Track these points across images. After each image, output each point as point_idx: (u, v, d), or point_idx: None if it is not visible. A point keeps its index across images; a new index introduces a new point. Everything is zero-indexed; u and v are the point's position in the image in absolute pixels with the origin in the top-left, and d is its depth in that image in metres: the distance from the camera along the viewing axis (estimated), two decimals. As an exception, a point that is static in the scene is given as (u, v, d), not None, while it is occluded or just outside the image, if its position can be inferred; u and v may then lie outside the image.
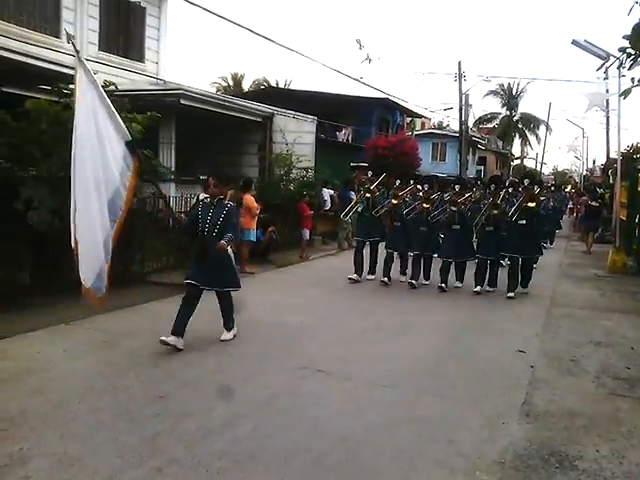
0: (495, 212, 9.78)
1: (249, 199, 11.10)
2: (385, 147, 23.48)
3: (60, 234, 8.83)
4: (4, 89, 9.80)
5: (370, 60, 22.55)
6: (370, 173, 12.10)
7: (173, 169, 13.59)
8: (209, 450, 4.08)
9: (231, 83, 44.50)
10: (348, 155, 21.98)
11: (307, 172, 15.96)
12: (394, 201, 10.45)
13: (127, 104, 8.95)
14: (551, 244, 18.11)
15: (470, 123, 34.25)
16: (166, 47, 16.24)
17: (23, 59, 8.60)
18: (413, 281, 10.30)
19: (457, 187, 10.76)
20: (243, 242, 10.80)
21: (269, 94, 25.02)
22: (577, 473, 3.97)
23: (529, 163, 60.70)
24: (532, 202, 9.57)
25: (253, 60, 63.83)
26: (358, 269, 10.85)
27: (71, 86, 9.36)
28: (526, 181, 10.33)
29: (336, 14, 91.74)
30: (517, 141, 57.10)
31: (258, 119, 16.37)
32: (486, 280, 10.20)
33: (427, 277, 10.70)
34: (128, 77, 12.91)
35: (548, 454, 4.22)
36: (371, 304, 9.18)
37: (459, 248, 10.21)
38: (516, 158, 59.07)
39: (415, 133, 35.37)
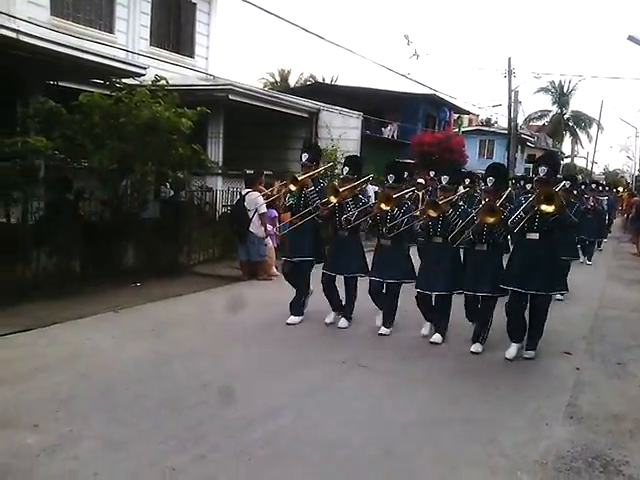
0: (490, 220, 5.98)
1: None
2: (431, 144, 23.26)
3: (110, 224, 9.13)
4: (60, 83, 10.10)
5: (418, 56, 22.40)
6: (433, 173, 11.23)
7: (220, 163, 13.78)
8: (251, 439, 4.15)
9: (278, 79, 44.73)
10: (394, 151, 21.87)
11: (351, 168, 15.94)
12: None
13: (178, 99, 9.13)
14: (589, 260, 13.91)
15: (519, 120, 33.67)
16: (215, 43, 16.46)
17: (79, 54, 8.83)
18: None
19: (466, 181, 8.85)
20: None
21: (315, 90, 25.07)
22: (622, 479, 3.89)
23: (579, 162, 59.31)
24: (550, 205, 5.71)
25: (300, 56, 64.11)
26: None
27: (123, 80, 9.65)
28: (542, 169, 5.99)
29: (384, 9, 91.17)
30: (567, 139, 55.86)
31: (304, 115, 16.45)
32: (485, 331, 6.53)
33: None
34: (178, 72, 13.13)
35: (592, 457, 4.14)
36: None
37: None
38: (566, 157, 57.75)
39: (462, 130, 34.95)
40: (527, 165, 41.41)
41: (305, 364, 5.77)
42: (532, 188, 10.05)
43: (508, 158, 28.99)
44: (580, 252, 13.04)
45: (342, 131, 16.30)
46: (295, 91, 24.03)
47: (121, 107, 8.65)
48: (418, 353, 6.36)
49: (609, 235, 18.14)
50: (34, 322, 6.62)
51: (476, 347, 6.37)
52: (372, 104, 22.63)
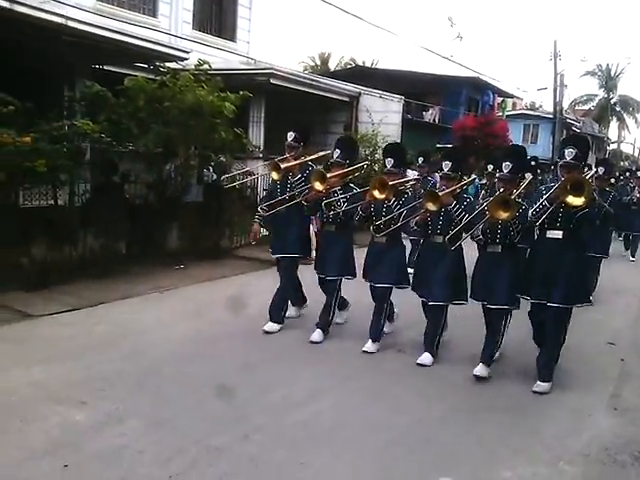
0: (504, 216, 4.89)
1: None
2: (473, 128, 22.90)
3: (154, 207, 9.28)
4: (105, 67, 10.25)
5: (461, 38, 22.05)
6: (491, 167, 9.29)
7: (262, 147, 13.84)
8: (293, 421, 4.21)
9: (318, 62, 44.53)
10: (435, 136, 21.62)
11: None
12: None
13: (220, 83, 9.19)
14: (632, 256, 12.61)
15: (565, 105, 32.86)
16: (257, 26, 16.48)
17: (123, 38, 8.93)
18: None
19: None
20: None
21: (356, 73, 24.88)
22: (669, 473, 3.83)
23: (626, 148, 57.67)
24: (578, 196, 4.71)
25: (341, 39, 63.75)
26: None
27: (167, 64, 9.75)
28: (569, 152, 4.97)
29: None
30: (614, 124, 54.29)
31: (345, 98, 16.36)
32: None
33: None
34: (220, 56, 13.19)
35: (638, 451, 4.07)
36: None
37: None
38: (612, 142, 56.20)
39: (506, 114, 34.26)
40: (572, 150, 40.43)
41: (346, 350, 5.78)
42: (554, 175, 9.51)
43: (553, 143, 28.39)
44: (622, 246, 12.61)
45: (383, 115, 16.17)
46: (335, 75, 23.88)
47: (165, 91, 8.75)
48: (459, 341, 6.31)
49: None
50: (81, 302, 6.81)
51: (480, 370, 5.20)
52: (413, 87, 22.35)
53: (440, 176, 5.65)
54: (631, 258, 12.57)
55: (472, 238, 5.25)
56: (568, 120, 37.00)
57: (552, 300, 4.99)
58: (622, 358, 6.02)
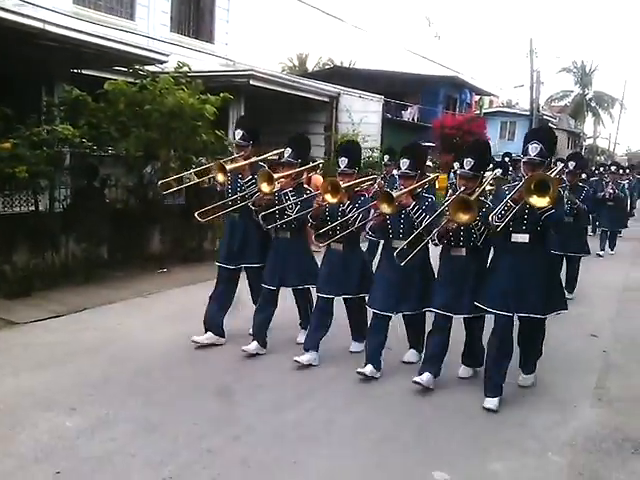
0: (465, 218, 4.47)
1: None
2: (452, 126, 23.10)
3: (136, 210, 9.23)
4: (84, 71, 10.17)
5: (439, 37, 22.23)
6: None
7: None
8: (283, 421, 4.23)
9: (296, 63, 44.58)
10: (415, 134, 21.72)
11: (373, 152, 15.90)
12: None
13: (201, 85, 9.17)
14: (612, 249, 12.72)
15: (541, 101, 33.25)
16: (235, 28, 16.42)
17: (101, 42, 8.86)
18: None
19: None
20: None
21: (335, 74, 24.96)
22: (654, 460, 3.91)
23: (602, 143, 58.46)
24: (542, 196, 4.29)
25: (318, 40, 63.83)
26: None
27: (146, 67, 9.70)
28: (534, 147, 4.58)
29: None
30: (590, 120, 55.07)
31: (324, 99, 16.38)
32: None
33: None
34: (199, 58, 13.14)
35: (622, 439, 4.16)
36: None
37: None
38: (588, 137, 56.96)
39: (483, 111, 34.57)
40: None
41: (330, 351, 5.72)
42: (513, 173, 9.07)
43: (530, 140, 28.72)
44: (599, 243, 12.30)
45: (363, 115, 16.22)
46: (314, 75, 23.95)
47: (145, 94, 8.71)
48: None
49: (631, 221, 15.37)
50: (65, 308, 6.76)
51: (464, 371, 5.26)
52: (392, 87, 22.48)
53: (398, 175, 5.32)
54: (610, 252, 12.62)
55: (432, 242, 4.86)
56: (545, 116, 37.45)
57: (523, 311, 4.57)
58: (604, 350, 6.13)
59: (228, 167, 5.55)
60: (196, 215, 5.85)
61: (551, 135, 4.96)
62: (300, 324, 6.00)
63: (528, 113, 29.87)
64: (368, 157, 15.77)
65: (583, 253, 8.46)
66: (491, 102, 41.99)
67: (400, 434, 4.15)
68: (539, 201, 4.28)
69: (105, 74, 10.30)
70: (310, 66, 42.49)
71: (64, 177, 8.50)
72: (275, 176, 5.38)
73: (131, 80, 9.26)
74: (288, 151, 5.57)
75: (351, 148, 5.62)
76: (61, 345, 5.64)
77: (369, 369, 5.02)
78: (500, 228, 4.44)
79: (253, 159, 5.73)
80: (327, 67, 36.06)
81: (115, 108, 8.56)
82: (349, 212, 5.17)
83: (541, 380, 5.18)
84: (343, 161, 5.29)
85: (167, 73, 9.36)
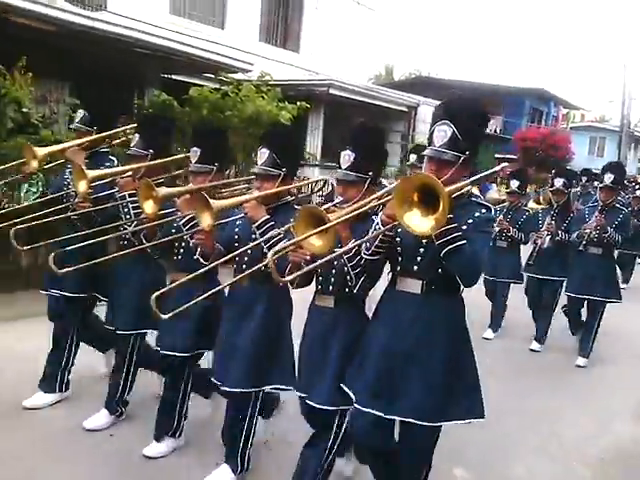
0: (316, 246, 2.58)
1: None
2: (535, 139, 22.75)
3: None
4: (174, 77, 10.93)
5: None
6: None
7: (319, 155, 14.29)
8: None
9: (383, 73, 44.87)
10: (495, 146, 21.59)
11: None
12: None
13: (279, 93, 9.68)
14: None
15: (634, 118, 32.07)
16: (322, 38, 16.93)
17: (192, 51, 9.54)
18: None
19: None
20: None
21: (418, 83, 25.11)
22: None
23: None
24: (425, 214, 2.36)
25: (405, 51, 63.87)
26: None
27: (231, 75, 10.32)
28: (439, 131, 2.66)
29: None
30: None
31: (403, 108, 16.65)
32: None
33: None
34: (284, 67, 13.73)
35: (654, 457, 4.24)
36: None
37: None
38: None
39: (571, 126, 33.69)
40: (640, 164, 39.36)
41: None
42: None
43: (619, 156, 27.80)
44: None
45: (440, 125, 16.36)
46: (398, 85, 24.21)
47: (227, 101, 9.30)
48: (488, 346, 6.49)
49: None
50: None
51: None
52: (475, 98, 22.41)
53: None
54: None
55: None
56: (636, 134, 36.03)
57: (396, 412, 2.71)
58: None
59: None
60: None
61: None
62: None
63: (618, 129, 28.88)
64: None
65: (613, 298, 6.16)
66: (582, 116, 40.79)
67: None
68: (420, 224, 2.39)
69: (193, 79, 11.02)
70: (397, 76, 42.67)
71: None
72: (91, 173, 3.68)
73: (217, 86, 9.90)
74: (135, 138, 3.95)
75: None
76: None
77: None
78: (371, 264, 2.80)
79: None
80: (411, 77, 36.16)
81: (199, 113, 9.18)
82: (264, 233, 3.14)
83: (582, 395, 5.27)
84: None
85: (251, 81, 9.94)
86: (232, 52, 11.35)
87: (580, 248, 6.06)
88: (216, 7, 14.24)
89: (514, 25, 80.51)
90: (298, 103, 9.68)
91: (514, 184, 6.84)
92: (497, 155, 20.97)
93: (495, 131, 24.77)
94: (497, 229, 6.54)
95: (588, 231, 5.89)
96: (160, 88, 9.58)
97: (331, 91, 13.40)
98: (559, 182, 6.53)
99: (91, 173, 3.67)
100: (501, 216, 6.62)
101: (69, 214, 3.91)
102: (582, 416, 4.86)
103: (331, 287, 3.03)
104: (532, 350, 6.49)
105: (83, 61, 8.40)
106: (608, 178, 6.01)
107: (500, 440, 4.31)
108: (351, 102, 14.31)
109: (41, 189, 4.75)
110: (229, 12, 14.45)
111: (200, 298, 2.94)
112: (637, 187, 11.17)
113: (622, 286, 8.58)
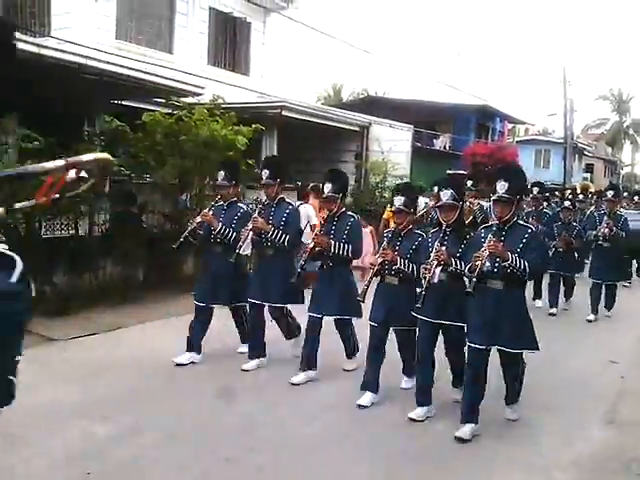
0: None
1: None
2: (483, 154, 23.21)
3: (170, 236, 9.63)
4: (123, 102, 10.73)
5: (463, 63, 22.38)
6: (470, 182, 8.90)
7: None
8: (300, 433, 4.46)
9: (331, 93, 45.34)
10: (445, 163, 21.92)
11: (402, 180, 16.17)
12: None
13: (234, 117, 9.60)
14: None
15: (577, 129, 33.19)
16: (270, 60, 17.01)
17: (140, 75, 9.39)
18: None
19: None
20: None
21: (367, 103, 25.42)
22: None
23: (641, 171, 57.62)
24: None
25: (352, 71, 64.98)
26: None
27: (183, 99, 10.20)
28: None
29: (432, 19, 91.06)
30: (628, 147, 54.48)
31: (355, 128, 16.76)
32: None
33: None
34: (234, 90, 13.66)
35: (629, 460, 4.27)
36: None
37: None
38: (626, 165, 56.25)
39: (517, 139, 34.60)
40: (585, 174, 40.68)
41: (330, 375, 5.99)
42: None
43: (565, 167, 28.67)
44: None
45: (392, 143, 16.52)
46: (347, 105, 24.43)
47: (181, 125, 9.18)
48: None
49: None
50: (100, 327, 7.13)
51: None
52: (424, 116, 22.78)
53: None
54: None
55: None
56: (580, 144, 37.26)
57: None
58: (622, 376, 6.20)
59: None
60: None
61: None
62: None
63: (562, 141, 29.81)
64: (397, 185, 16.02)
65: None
66: (527, 130, 41.97)
67: (408, 449, 4.33)
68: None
69: (144, 105, 10.85)
70: (345, 96, 43.15)
71: (103, 203, 8.98)
72: None
73: (169, 111, 9.76)
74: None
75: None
76: (96, 360, 5.97)
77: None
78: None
79: None
80: (360, 97, 36.61)
81: (152, 138, 9.04)
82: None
83: (554, 402, 5.30)
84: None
85: (203, 104, 9.83)
86: (182, 76, 11.24)
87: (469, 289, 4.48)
88: (163, 31, 14.13)
89: (455, 41, 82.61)
90: (253, 126, 9.62)
91: (398, 201, 5.00)
92: (449, 171, 21.28)
93: (445, 148, 25.21)
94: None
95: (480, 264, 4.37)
96: (110, 114, 9.38)
97: (284, 113, 13.40)
98: (610, 194, 8.86)
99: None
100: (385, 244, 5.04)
101: None
102: (555, 425, 4.88)
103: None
104: None
105: (30, 89, 8.16)
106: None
107: (478, 454, 4.29)
108: (304, 123, 14.32)
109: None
110: (176, 36, 14.36)
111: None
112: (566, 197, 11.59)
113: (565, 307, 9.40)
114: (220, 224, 5.91)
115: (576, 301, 9.44)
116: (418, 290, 4.74)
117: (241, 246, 5.78)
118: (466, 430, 4.43)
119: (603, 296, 8.88)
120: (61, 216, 8.37)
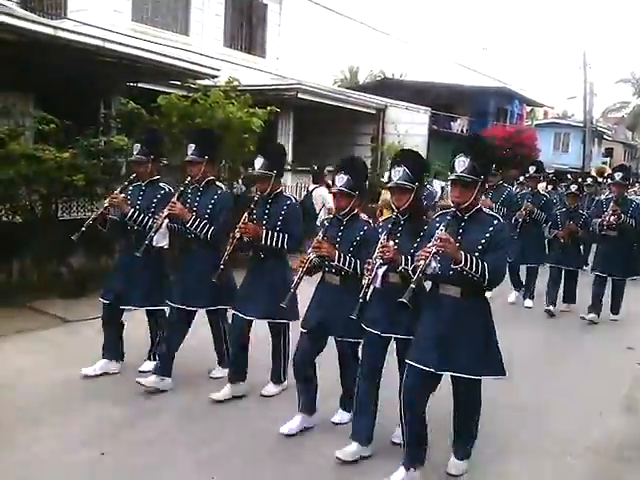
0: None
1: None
2: (501, 137, 22.99)
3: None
4: (140, 85, 10.72)
5: (486, 49, 22.17)
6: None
7: (290, 159, 14.18)
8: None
9: (347, 76, 45.04)
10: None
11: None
12: None
13: (249, 99, 9.54)
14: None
15: (597, 112, 32.71)
16: (286, 42, 16.91)
17: (156, 57, 9.35)
18: None
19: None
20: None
21: (384, 85, 25.21)
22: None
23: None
24: None
25: (369, 53, 64.38)
26: None
27: (198, 81, 10.16)
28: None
29: (448, 2, 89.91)
30: (649, 131, 53.49)
31: (371, 111, 16.63)
32: None
33: None
34: (250, 72, 13.62)
35: (645, 447, 4.23)
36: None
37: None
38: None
39: (535, 123, 34.21)
40: (604, 159, 40.16)
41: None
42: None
43: (584, 151, 28.28)
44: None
45: (409, 126, 16.41)
46: (363, 88, 24.25)
47: (197, 108, 9.14)
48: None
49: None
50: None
51: None
52: (441, 99, 22.61)
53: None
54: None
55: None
56: (599, 128, 36.73)
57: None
58: (639, 362, 6.14)
59: None
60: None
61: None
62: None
63: (582, 125, 29.39)
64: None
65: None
66: (546, 113, 41.50)
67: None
68: None
69: (160, 87, 10.83)
70: (361, 79, 42.86)
71: (120, 185, 8.98)
72: None
73: (184, 93, 9.73)
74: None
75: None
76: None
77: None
78: None
79: None
80: (377, 79, 36.33)
81: (168, 121, 9.00)
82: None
83: (570, 388, 5.26)
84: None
85: (219, 87, 9.79)
86: (198, 58, 11.21)
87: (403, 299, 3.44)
88: (179, 13, 14.10)
89: (475, 23, 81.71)
90: (268, 107, 9.56)
91: (340, 180, 4.09)
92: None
93: (462, 131, 24.97)
94: None
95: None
96: (126, 96, 9.37)
97: (300, 95, 13.32)
98: (619, 176, 7.68)
99: None
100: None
101: None
102: (570, 411, 4.84)
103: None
104: None
105: (47, 71, 8.17)
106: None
107: (491, 438, 4.25)
108: (320, 106, 14.24)
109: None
110: (192, 18, 14.33)
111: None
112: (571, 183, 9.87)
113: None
114: (131, 208, 4.93)
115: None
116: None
117: (152, 236, 4.70)
118: (415, 475, 3.58)
119: (606, 296, 7.88)
120: (77, 198, 8.40)
